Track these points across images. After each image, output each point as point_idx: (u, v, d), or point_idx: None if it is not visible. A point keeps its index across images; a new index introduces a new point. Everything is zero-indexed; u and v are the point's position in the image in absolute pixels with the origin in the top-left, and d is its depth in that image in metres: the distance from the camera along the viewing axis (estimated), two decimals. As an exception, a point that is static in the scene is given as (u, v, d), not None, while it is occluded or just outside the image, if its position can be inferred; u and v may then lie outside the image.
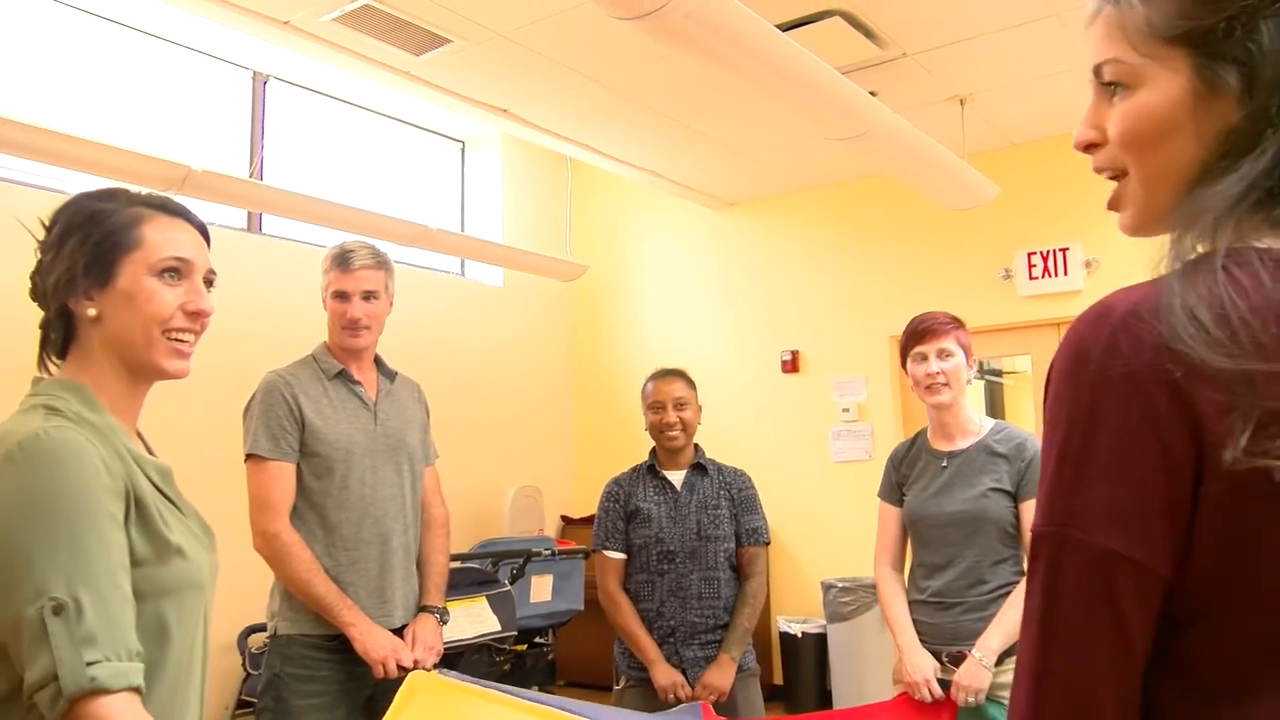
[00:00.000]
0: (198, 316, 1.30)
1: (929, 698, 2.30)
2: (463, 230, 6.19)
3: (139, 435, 1.34)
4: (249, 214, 4.91)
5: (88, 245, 1.26)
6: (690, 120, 4.82)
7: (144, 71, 4.64)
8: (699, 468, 2.96)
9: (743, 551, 2.90)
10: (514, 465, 6.16)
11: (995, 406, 7.62)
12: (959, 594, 2.38)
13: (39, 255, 1.30)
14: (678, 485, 2.93)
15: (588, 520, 6.42)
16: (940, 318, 2.52)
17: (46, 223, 1.31)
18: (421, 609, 2.50)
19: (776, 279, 6.05)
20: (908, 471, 2.58)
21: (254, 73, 5.09)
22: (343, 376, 2.50)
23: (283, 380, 2.44)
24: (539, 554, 4.56)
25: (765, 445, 5.86)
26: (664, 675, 2.73)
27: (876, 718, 2.36)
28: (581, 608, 4.95)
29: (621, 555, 2.90)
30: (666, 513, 2.88)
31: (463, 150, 6.40)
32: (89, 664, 1.06)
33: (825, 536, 5.65)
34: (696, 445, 3.01)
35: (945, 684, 2.31)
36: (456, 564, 4.45)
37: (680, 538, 2.84)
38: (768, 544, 2.95)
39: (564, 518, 6.50)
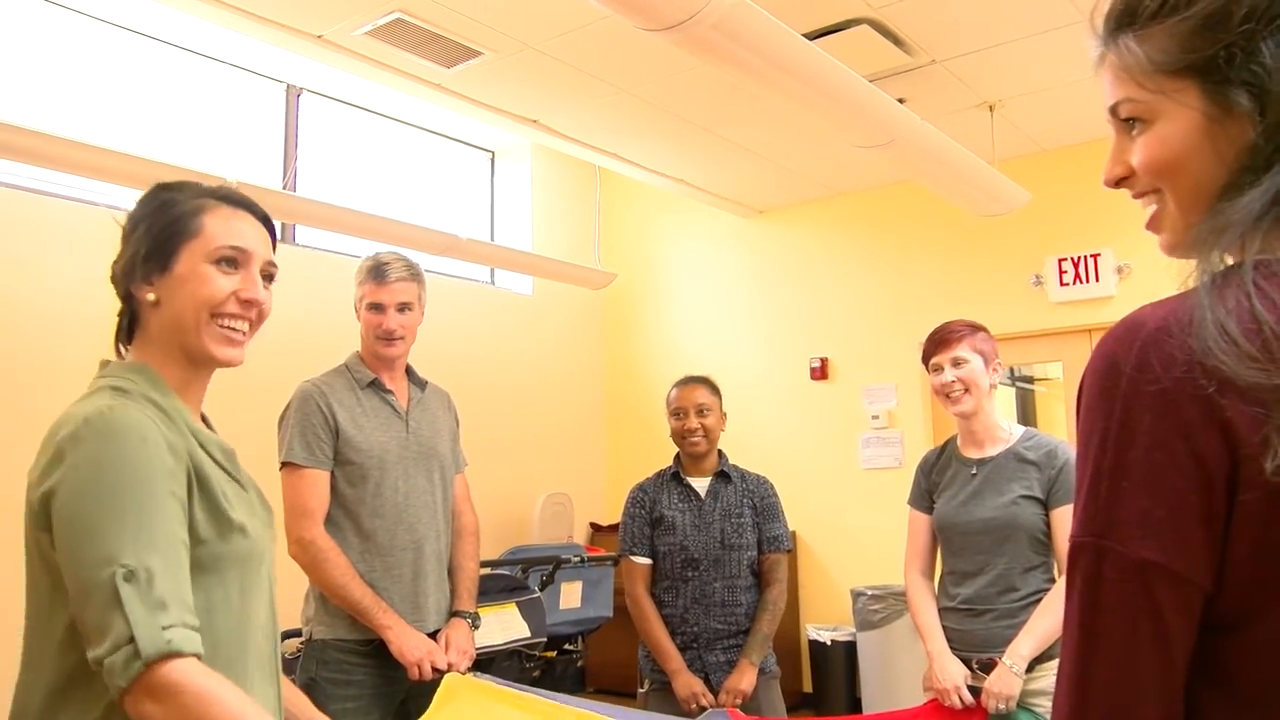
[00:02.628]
0: (251, 305, 1.33)
1: (959, 705, 2.29)
2: (492, 239, 6.24)
3: (203, 418, 1.39)
4: (282, 225, 4.98)
5: (152, 233, 1.30)
6: (719, 128, 4.83)
7: (180, 85, 4.72)
8: (723, 475, 2.98)
9: (764, 559, 2.92)
10: (544, 473, 6.19)
11: (1027, 414, 7.56)
12: (989, 601, 2.38)
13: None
14: (702, 493, 2.95)
15: (617, 528, 6.44)
16: (954, 326, 2.54)
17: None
18: (454, 614, 2.53)
19: (806, 286, 6.05)
20: (938, 479, 2.58)
21: (287, 85, 5.17)
22: (375, 386, 2.54)
23: (317, 389, 2.48)
24: (568, 561, 4.58)
25: (794, 452, 5.85)
26: (684, 686, 2.75)
27: None
28: (611, 615, 4.96)
29: (647, 560, 2.93)
30: (690, 520, 2.91)
31: (493, 160, 6.46)
32: (164, 628, 1.09)
33: (855, 544, 5.63)
34: (720, 452, 3.02)
35: (975, 691, 2.30)
36: (487, 570, 4.48)
37: (704, 545, 2.87)
38: (789, 551, 2.97)
39: (593, 525, 6.52)
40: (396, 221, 4.64)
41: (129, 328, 1.34)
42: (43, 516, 1.16)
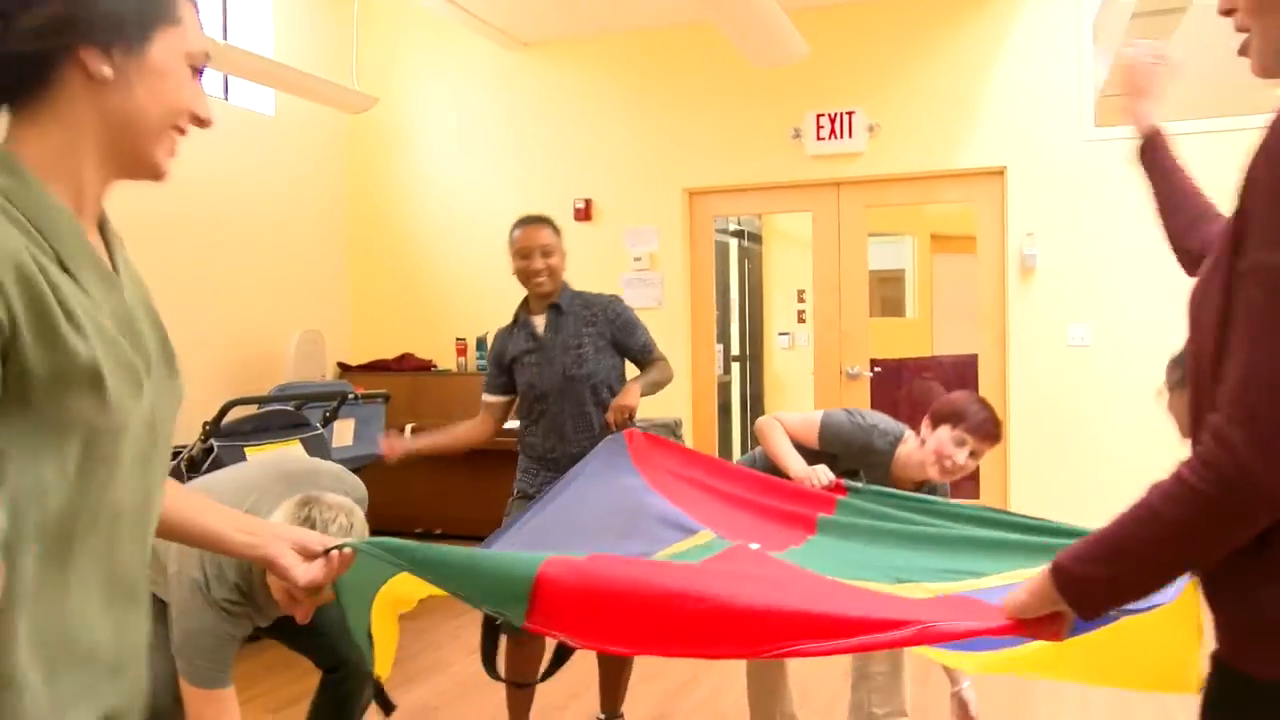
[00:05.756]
0: (200, 124, 1.15)
1: (819, 484, 2.48)
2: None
3: (101, 230, 1.13)
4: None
5: None
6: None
7: None
8: (555, 308, 3.05)
9: (647, 366, 3.11)
10: (295, 310, 5.82)
11: (755, 272, 8.09)
12: None
13: None
14: (539, 330, 3.05)
15: (366, 367, 6.23)
16: (999, 427, 2.62)
17: None
18: None
19: (570, 126, 5.99)
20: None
21: None
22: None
23: None
24: (353, 396, 4.40)
25: (557, 293, 5.90)
26: None
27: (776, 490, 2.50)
28: (381, 453, 4.85)
29: (499, 398, 3.15)
30: (534, 359, 3.02)
31: (223, -45, 5.69)
32: None
33: (614, 382, 5.85)
34: (565, 285, 3.06)
35: None
36: (266, 408, 4.20)
37: (549, 380, 3.00)
38: (662, 357, 3.15)
39: (341, 364, 6.26)
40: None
41: (16, 89, 1.03)
42: None
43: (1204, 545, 0.98)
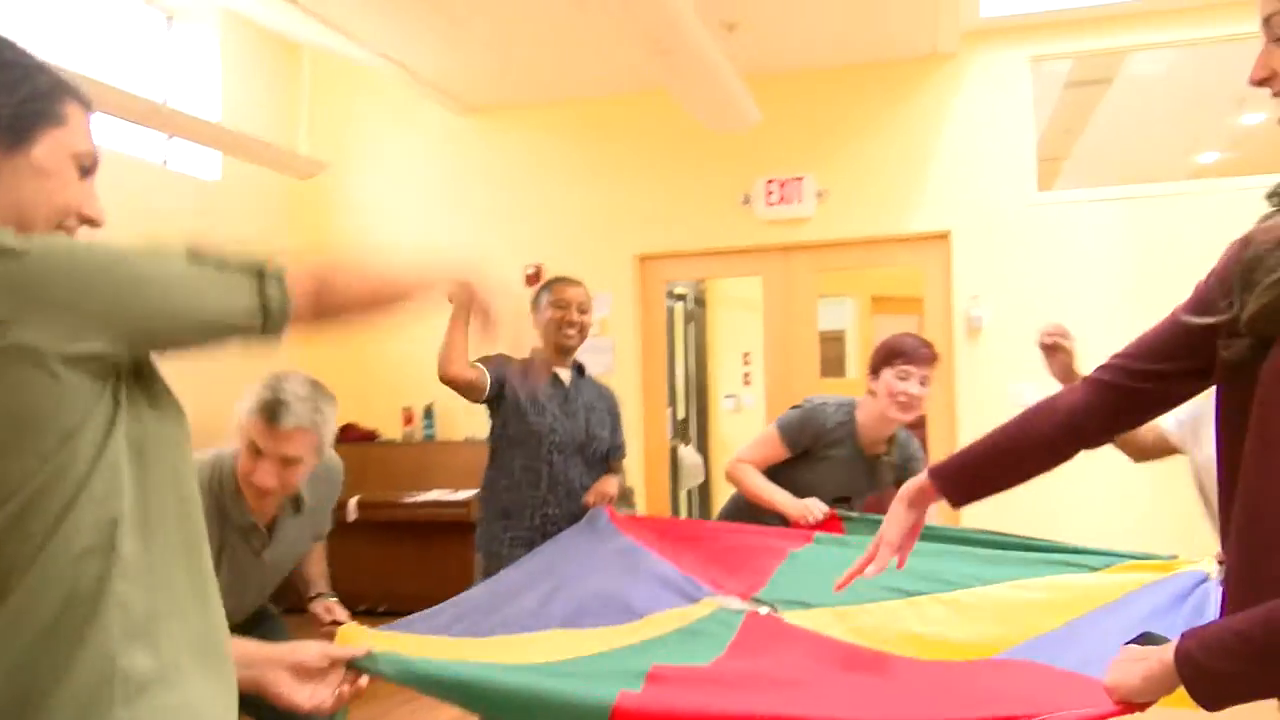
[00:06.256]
0: (91, 224, 1.17)
1: (815, 518, 2.53)
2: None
3: None
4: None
5: (7, 92, 1.08)
6: (454, 9, 4.57)
7: None
8: (579, 369, 3.17)
9: (611, 464, 3.21)
10: (235, 381, 5.64)
11: (700, 336, 8.13)
12: None
13: None
14: (566, 382, 3.09)
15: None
16: (929, 347, 2.78)
17: None
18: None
19: (520, 191, 6.00)
20: (823, 450, 2.81)
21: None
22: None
23: None
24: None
25: (508, 358, 5.84)
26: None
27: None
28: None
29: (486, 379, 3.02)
30: (558, 408, 3.02)
31: (169, 22, 5.61)
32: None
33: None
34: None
35: None
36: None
37: (572, 432, 3.02)
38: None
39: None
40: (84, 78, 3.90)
41: None
42: None
43: None
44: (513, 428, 2.97)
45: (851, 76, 5.45)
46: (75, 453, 0.93)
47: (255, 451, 2.13)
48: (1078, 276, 5.14)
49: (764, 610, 1.97)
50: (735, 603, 2.01)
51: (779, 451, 2.78)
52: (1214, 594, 1.59)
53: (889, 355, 2.74)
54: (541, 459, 2.95)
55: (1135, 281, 5.04)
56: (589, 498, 2.90)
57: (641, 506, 5.60)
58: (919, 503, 1.47)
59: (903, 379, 2.69)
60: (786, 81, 5.50)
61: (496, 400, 2.96)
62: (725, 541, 2.38)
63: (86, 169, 1.16)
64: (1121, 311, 5.04)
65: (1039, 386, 5.58)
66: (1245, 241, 1.16)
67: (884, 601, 1.84)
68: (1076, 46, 5.28)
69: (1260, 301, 1.07)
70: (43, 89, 1.11)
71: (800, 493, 2.70)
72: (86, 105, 1.17)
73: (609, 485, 3.00)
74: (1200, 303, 1.20)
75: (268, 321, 1.08)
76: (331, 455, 2.37)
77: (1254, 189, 4.81)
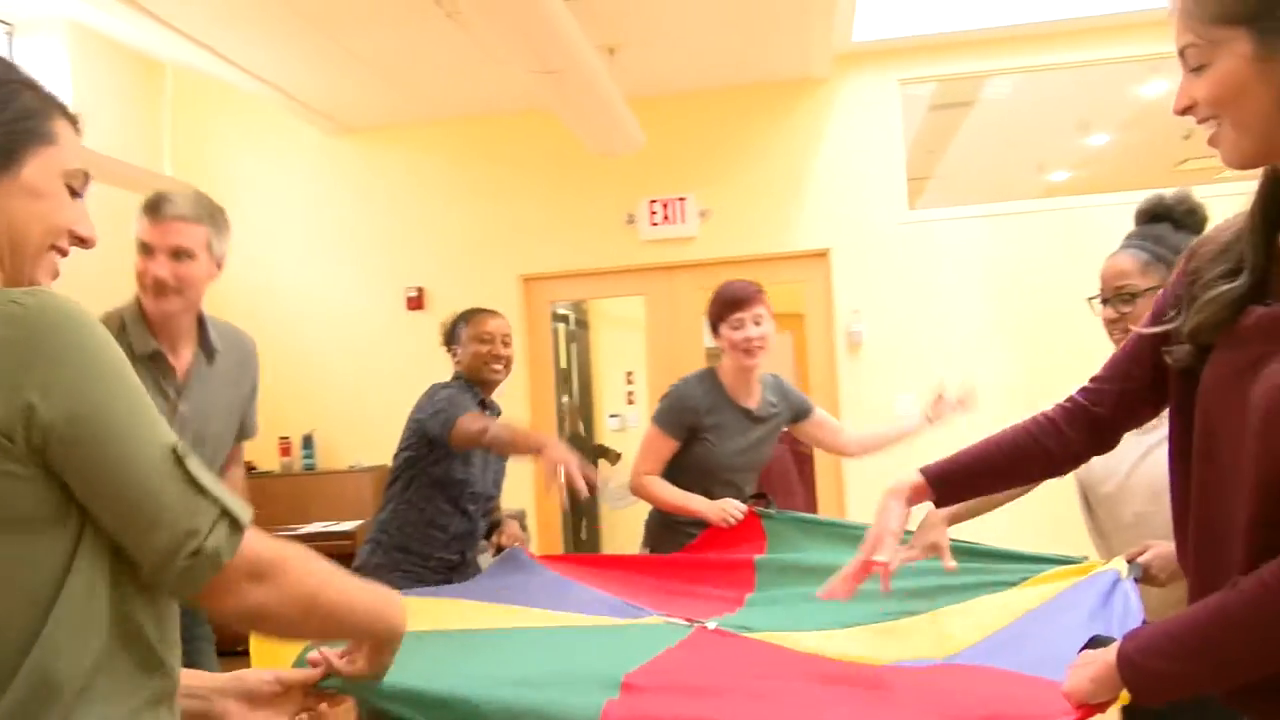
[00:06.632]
0: (83, 244, 1.14)
1: (733, 520, 2.55)
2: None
3: None
4: None
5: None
6: (335, 30, 4.44)
7: None
8: (495, 413, 3.10)
9: None
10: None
11: (584, 356, 8.11)
12: None
13: None
14: None
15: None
16: (748, 286, 2.84)
17: None
18: None
19: (400, 213, 5.86)
20: (707, 420, 2.84)
21: None
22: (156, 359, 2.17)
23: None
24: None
25: (391, 381, 5.63)
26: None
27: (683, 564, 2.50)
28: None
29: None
30: (480, 458, 2.97)
31: (9, 36, 5.24)
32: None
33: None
34: None
35: None
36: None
37: (488, 483, 3.00)
38: None
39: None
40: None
41: None
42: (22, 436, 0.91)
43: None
44: (441, 470, 2.88)
45: (731, 99, 5.55)
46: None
47: (145, 250, 2.16)
48: (947, 290, 5.36)
49: (711, 624, 1.96)
50: (680, 621, 1.99)
51: (668, 444, 2.81)
52: (1131, 593, 1.67)
53: (719, 310, 2.83)
54: (459, 508, 2.90)
55: (998, 293, 5.29)
56: (502, 539, 2.88)
57: (533, 529, 5.52)
58: (913, 500, 1.51)
59: (737, 328, 2.78)
60: (667, 103, 5.55)
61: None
62: (664, 583, 2.33)
63: (77, 188, 1.13)
64: (987, 321, 5.29)
65: (919, 398, 5.77)
66: (1190, 254, 1.22)
67: (815, 631, 1.86)
68: (940, 70, 5.52)
69: (1198, 317, 1.13)
70: (32, 107, 1.08)
71: (710, 472, 2.77)
72: (74, 123, 1.15)
73: (516, 528, 2.99)
74: (1154, 314, 1.26)
75: (197, 556, 0.96)
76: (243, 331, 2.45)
77: (1101, 206, 5.18)
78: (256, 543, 1.01)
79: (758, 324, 2.75)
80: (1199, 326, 1.13)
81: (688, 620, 1.97)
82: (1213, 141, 1.12)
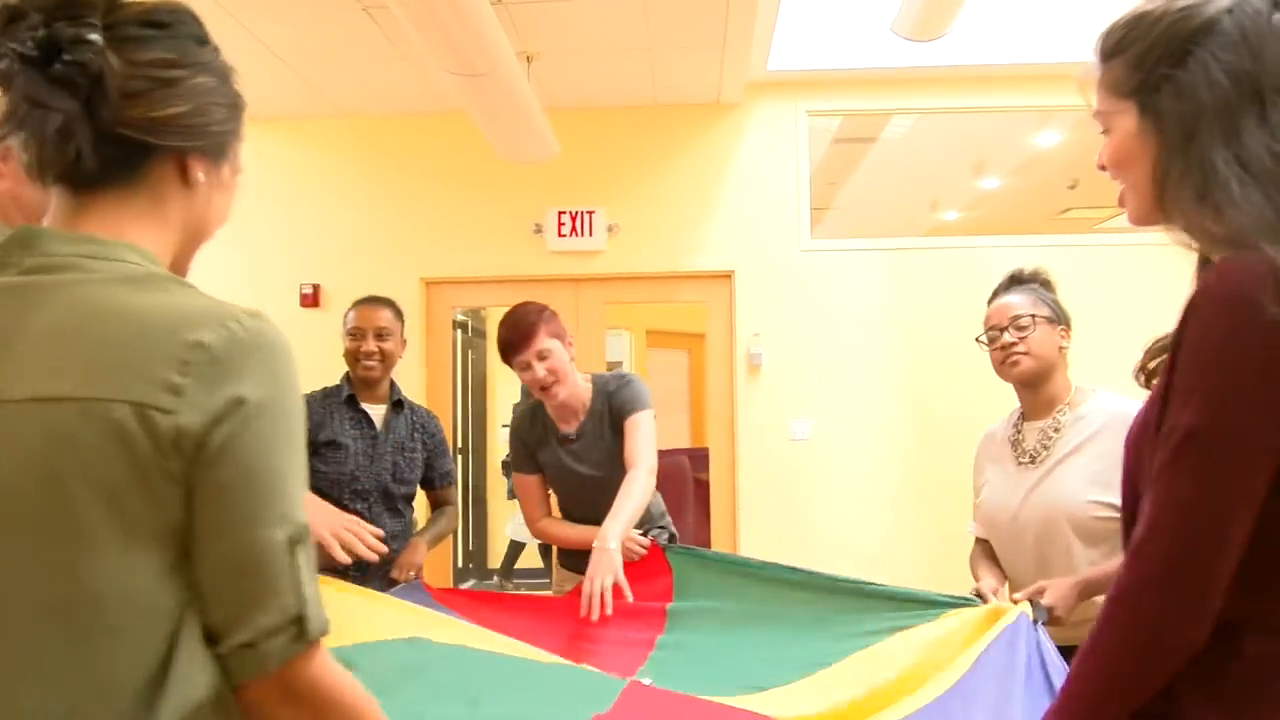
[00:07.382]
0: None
1: (635, 555, 2.47)
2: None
3: None
4: None
5: (229, 105, 1.07)
6: (249, 18, 4.30)
7: None
8: (398, 405, 2.89)
9: (437, 494, 2.98)
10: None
11: (480, 365, 8.02)
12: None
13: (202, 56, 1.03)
14: (377, 421, 2.84)
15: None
16: (524, 316, 2.60)
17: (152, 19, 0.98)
18: None
19: (296, 207, 5.69)
20: (534, 445, 2.77)
21: None
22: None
23: None
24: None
25: (280, 383, 5.50)
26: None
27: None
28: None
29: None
30: (363, 449, 2.78)
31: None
32: (319, 605, 0.92)
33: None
34: (392, 380, 2.88)
35: None
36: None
37: (373, 479, 2.78)
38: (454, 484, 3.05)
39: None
40: None
41: (102, 173, 0.97)
42: (175, 456, 0.87)
43: (1132, 681, 1.03)
44: (322, 466, 2.77)
45: (644, 116, 5.58)
46: None
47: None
48: (843, 318, 5.50)
49: (647, 681, 1.94)
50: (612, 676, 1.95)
51: (532, 481, 2.72)
52: (1043, 636, 1.73)
53: (500, 353, 2.63)
54: (342, 506, 2.70)
55: (890, 323, 5.46)
56: (396, 572, 2.67)
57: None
58: None
59: (524, 370, 2.56)
60: (581, 116, 5.55)
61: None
62: (574, 627, 2.25)
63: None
64: (880, 349, 5.45)
65: (814, 423, 5.90)
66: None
67: (740, 695, 1.83)
68: (846, 105, 5.68)
69: (1145, 359, 1.19)
70: (238, 100, 1.09)
71: (579, 492, 2.65)
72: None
73: (417, 554, 2.75)
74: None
75: (250, 648, 0.88)
76: None
77: (989, 247, 5.41)
78: (319, 665, 0.91)
79: (542, 359, 2.52)
80: (1141, 367, 1.22)
81: (620, 676, 1.94)
82: (1120, 200, 1.21)
